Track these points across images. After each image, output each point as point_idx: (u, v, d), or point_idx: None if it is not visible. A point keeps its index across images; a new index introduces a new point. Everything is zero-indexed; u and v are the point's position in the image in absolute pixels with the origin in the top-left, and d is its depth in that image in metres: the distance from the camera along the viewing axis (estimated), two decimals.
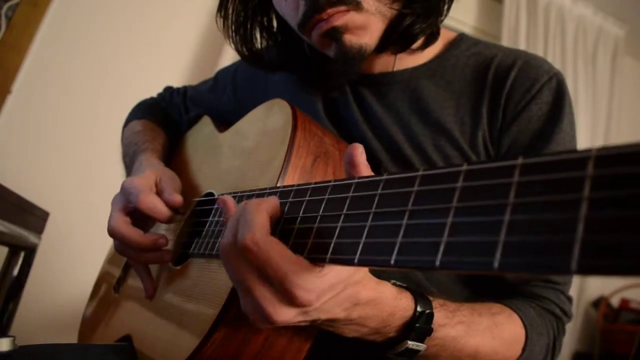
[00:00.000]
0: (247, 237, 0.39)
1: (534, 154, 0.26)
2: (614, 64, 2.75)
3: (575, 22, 2.67)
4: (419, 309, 0.48)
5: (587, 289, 2.52)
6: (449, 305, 0.53)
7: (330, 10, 0.60)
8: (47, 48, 1.90)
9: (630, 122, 2.84)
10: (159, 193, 0.68)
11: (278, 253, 0.39)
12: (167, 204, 0.66)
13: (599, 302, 2.45)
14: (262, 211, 0.41)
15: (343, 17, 0.61)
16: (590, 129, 2.62)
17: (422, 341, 0.49)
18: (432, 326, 0.49)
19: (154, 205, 0.64)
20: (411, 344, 0.48)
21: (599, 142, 2.64)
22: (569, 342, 2.40)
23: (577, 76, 2.62)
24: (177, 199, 0.66)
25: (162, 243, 0.64)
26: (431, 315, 0.49)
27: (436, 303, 0.51)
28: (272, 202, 0.43)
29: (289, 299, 0.39)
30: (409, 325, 0.48)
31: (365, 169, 0.43)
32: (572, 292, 0.68)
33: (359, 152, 0.43)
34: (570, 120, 0.67)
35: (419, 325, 0.48)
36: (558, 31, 2.63)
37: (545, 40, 2.59)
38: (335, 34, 0.62)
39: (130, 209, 0.66)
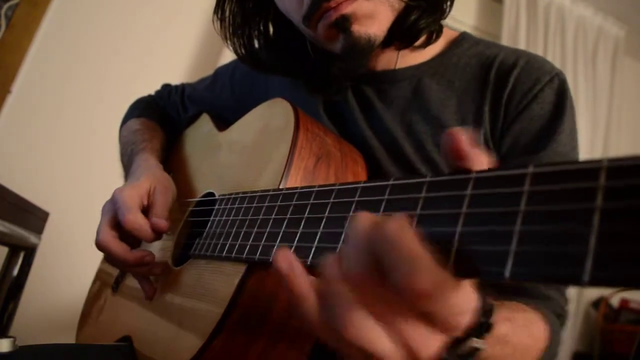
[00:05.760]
0: (423, 281, 0.27)
1: (545, 163, 0.26)
2: (614, 64, 2.75)
3: (575, 22, 2.67)
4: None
5: (587, 289, 2.51)
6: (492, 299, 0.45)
7: None
8: (47, 48, 1.90)
9: (630, 122, 2.84)
10: (149, 207, 0.67)
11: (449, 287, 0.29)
12: (152, 227, 0.64)
13: (599, 302, 2.44)
14: (418, 245, 0.28)
15: (351, 5, 0.60)
16: (590, 129, 2.62)
17: (482, 338, 0.40)
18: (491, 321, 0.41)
19: (139, 226, 0.63)
20: (476, 341, 0.39)
21: (599, 142, 2.64)
22: (569, 342, 2.40)
23: (577, 76, 2.62)
24: (162, 224, 0.65)
25: (147, 260, 0.64)
26: (492, 307, 0.40)
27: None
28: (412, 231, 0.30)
29: (450, 329, 0.31)
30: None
31: (480, 160, 0.32)
32: (572, 292, 0.68)
33: (464, 139, 0.32)
34: (572, 120, 0.67)
35: (484, 320, 0.40)
36: (558, 31, 2.63)
37: (545, 40, 2.59)
38: (343, 24, 0.61)
39: (117, 221, 0.65)
